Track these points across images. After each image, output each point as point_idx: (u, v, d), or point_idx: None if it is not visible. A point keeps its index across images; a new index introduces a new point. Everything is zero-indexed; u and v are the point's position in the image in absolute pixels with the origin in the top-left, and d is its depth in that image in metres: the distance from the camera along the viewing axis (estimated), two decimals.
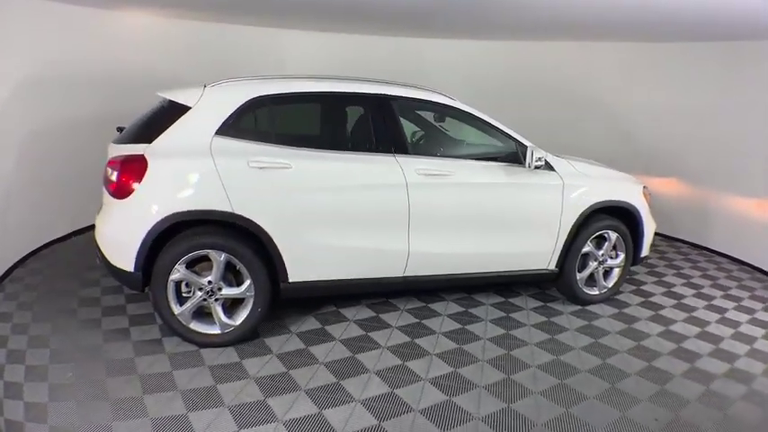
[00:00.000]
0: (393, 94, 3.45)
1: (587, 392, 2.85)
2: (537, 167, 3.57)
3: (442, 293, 4.04)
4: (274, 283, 3.13)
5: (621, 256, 4.01)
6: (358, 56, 6.36)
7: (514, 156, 3.63)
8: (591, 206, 3.75)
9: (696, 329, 3.69)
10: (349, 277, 3.33)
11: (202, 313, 3.11)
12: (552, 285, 4.19)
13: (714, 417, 2.70)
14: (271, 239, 3.03)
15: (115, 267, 2.97)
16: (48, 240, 4.61)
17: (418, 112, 4.02)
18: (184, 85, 3.35)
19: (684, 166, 5.59)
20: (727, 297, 4.34)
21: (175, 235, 2.96)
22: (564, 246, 3.75)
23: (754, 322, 3.87)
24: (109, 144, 3.23)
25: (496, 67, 6.60)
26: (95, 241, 3.09)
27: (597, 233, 3.85)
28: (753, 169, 4.94)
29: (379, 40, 6.46)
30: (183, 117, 3.02)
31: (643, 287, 4.45)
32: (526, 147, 3.54)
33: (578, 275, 3.89)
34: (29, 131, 4.20)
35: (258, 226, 2.99)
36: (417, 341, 3.31)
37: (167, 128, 3.00)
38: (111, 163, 2.99)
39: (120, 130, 3.46)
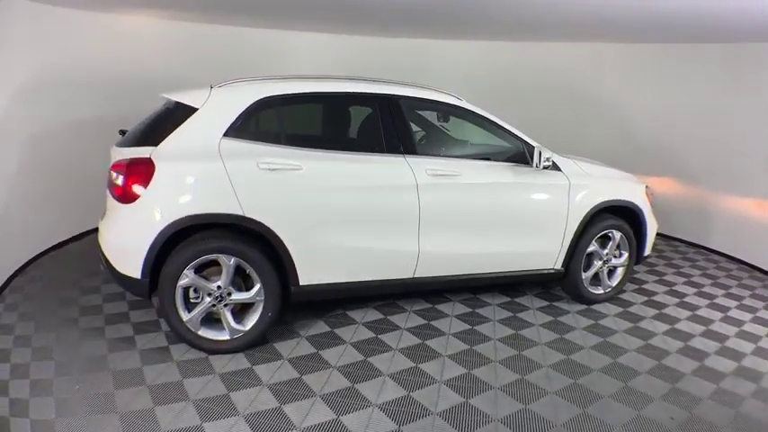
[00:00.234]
0: (402, 94, 3.43)
1: (601, 392, 2.85)
2: (545, 168, 3.58)
3: (447, 294, 4.03)
4: (284, 286, 3.08)
5: (625, 255, 4.04)
6: (359, 57, 6.31)
7: (521, 156, 3.63)
8: (596, 206, 3.77)
9: (701, 328, 3.72)
10: (360, 279, 3.29)
11: (211, 319, 3.04)
12: (557, 285, 4.20)
13: (727, 414, 2.72)
14: (281, 242, 2.98)
15: (121, 274, 2.89)
16: (47, 247, 4.50)
17: (419, 113, 3.99)
18: (188, 86, 3.27)
19: (684, 165, 5.62)
20: (728, 296, 4.39)
21: (182, 240, 2.89)
22: (570, 245, 3.76)
23: (758, 321, 3.92)
24: (112, 147, 3.15)
25: (497, 68, 6.59)
26: (100, 247, 3.00)
27: (602, 233, 3.87)
28: (753, 169, 4.99)
29: (380, 41, 6.42)
30: (189, 119, 2.95)
31: (645, 286, 4.48)
32: (533, 147, 3.55)
33: (583, 275, 3.91)
34: (29, 135, 4.11)
35: (269, 229, 2.94)
36: (428, 342, 3.29)
37: (173, 130, 2.93)
38: (116, 167, 2.90)
39: (122, 133, 3.38)
